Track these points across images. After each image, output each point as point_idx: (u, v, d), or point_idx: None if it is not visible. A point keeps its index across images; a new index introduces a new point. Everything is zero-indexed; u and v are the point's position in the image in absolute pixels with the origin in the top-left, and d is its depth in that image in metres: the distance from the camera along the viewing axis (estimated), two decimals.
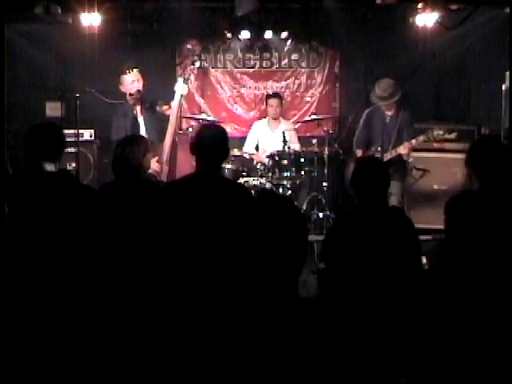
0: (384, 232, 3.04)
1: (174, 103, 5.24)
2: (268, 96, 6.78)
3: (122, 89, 5.25)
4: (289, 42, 7.26)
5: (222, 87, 7.42)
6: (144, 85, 5.26)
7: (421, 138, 5.54)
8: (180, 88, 5.26)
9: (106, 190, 3.65)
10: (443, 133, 5.51)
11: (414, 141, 5.54)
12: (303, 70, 7.38)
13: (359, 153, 5.86)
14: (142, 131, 5.25)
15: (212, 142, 3.19)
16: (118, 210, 3.46)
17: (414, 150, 6.31)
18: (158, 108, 5.35)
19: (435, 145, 6.38)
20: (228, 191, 3.21)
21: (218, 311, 2.93)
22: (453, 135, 6.39)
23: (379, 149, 5.74)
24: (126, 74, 5.20)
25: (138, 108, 5.28)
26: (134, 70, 5.23)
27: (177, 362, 2.88)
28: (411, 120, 5.71)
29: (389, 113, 5.82)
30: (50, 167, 3.29)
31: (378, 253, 2.99)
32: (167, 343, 2.93)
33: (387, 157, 5.66)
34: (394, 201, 5.66)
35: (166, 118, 5.25)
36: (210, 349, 2.84)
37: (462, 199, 2.71)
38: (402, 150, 5.54)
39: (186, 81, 5.43)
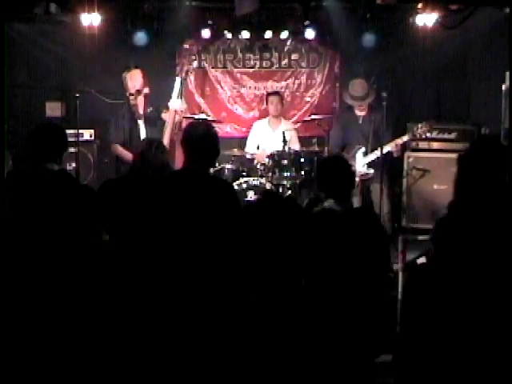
0: (350, 231, 3.01)
1: (169, 117, 5.21)
2: (268, 94, 6.79)
3: (124, 87, 5.25)
4: (289, 42, 7.26)
5: (221, 87, 7.42)
6: (144, 84, 5.25)
7: (405, 137, 5.56)
8: (173, 105, 5.24)
9: (117, 186, 3.68)
10: (428, 129, 5.53)
11: (399, 140, 5.55)
12: (303, 69, 7.38)
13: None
14: (142, 132, 5.25)
15: (197, 140, 3.24)
16: (132, 208, 3.48)
17: (414, 150, 6.35)
18: (162, 115, 5.34)
19: (435, 145, 6.39)
20: (212, 188, 3.24)
21: (197, 309, 2.94)
22: (453, 135, 6.41)
23: (362, 149, 5.75)
24: (128, 72, 5.20)
25: (139, 108, 5.28)
26: (137, 68, 5.23)
27: (169, 356, 2.89)
28: (385, 120, 5.55)
29: (361, 114, 5.85)
30: (53, 167, 3.30)
31: (345, 252, 2.95)
32: (157, 340, 2.95)
33: (371, 157, 5.67)
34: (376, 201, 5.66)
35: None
36: (199, 344, 2.85)
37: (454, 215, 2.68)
38: (390, 147, 5.53)
39: (183, 81, 5.43)
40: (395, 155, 5.68)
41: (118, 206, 3.49)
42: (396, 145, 5.54)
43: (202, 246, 3.07)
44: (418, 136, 5.59)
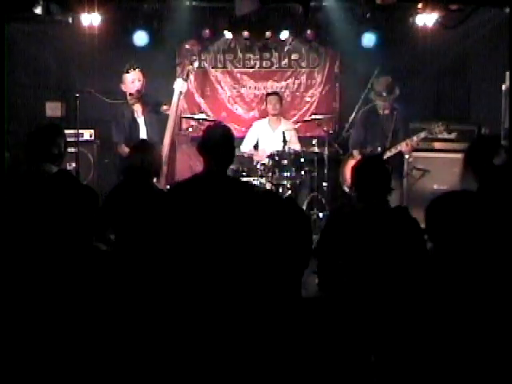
0: (387, 231, 3.00)
1: (173, 101, 5.21)
2: (267, 94, 6.82)
3: (124, 88, 5.25)
4: (289, 42, 7.26)
5: (221, 87, 7.42)
6: (144, 85, 5.25)
7: (422, 134, 5.57)
8: (179, 85, 5.24)
9: (118, 191, 3.67)
10: (444, 129, 5.54)
11: (415, 138, 5.57)
12: (303, 69, 7.38)
13: (356, 152, 5.88)
14: (142, 132, 5.25)
15: (220, 141, 3.22)
16: (128, 213, 3.47)
17: (415, 149, 6.34)
18: (161, 110, 5.33)
19: (435, 145, 6.39)
20: (238, 190, 3.23)
21: (227, 310, 2.92)
22: (453, 135, 6.41)
23: (379, 148, 5.75)
24: (127, 73, 5.20)
25: (139, 108, 5.27)
26: (135, 69, 5.23)
27: (179, 362, 2.87)
28: (407, 119, 5.72)
29: (384, 112, 5.83)
30: (52, 168, 3.29)
31: (380, 252, 2.95)
32: (170, 345, 2.93)
33: (386, 155, 5.67)
34: (394, 199, 5.68)
35: (167, 119, 5.24)
36: (213, 350, 2.84)
37: (447, 200, 2.67)
38: (404, 147, 5.58)
39: (185, 80, 5.43)
40: (407, 155, 5.73)
41: (129, 212, 3.49)
42: (407, 144, 5.57)
43: (238, 250, 3.03)
44: (433, 134, 5.61)
